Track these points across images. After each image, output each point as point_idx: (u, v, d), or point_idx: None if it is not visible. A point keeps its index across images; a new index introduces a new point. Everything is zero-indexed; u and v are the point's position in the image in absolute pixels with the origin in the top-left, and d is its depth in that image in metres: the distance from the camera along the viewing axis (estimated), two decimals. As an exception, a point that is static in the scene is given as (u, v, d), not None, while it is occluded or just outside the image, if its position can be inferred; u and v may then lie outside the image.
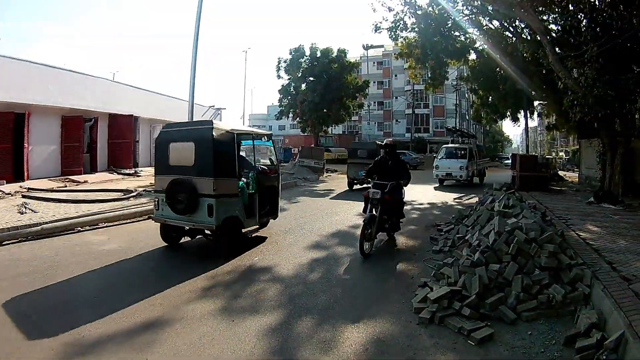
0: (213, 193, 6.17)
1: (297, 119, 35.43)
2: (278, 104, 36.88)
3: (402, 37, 19.42)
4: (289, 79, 34.52)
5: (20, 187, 14.14)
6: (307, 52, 33.74)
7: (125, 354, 3.59)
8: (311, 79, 33.46)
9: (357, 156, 16.87)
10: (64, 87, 18.86)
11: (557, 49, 13.25)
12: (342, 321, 4.16)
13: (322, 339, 3.75)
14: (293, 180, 19.13)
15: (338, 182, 20.01)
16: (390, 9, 18.52)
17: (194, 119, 13.14)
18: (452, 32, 18.53)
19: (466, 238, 6.11)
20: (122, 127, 22.43)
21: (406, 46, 19.96)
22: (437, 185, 18.89)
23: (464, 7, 17.23)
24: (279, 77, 34.79)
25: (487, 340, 3.65)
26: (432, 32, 17.76)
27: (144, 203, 11.53)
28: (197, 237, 7.14)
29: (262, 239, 7.61)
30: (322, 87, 32.07)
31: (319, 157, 24.19)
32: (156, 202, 6.87)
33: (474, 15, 17.56)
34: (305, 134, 38.43)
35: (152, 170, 22.78)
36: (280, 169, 9.09)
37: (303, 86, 33.96)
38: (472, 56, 22.04)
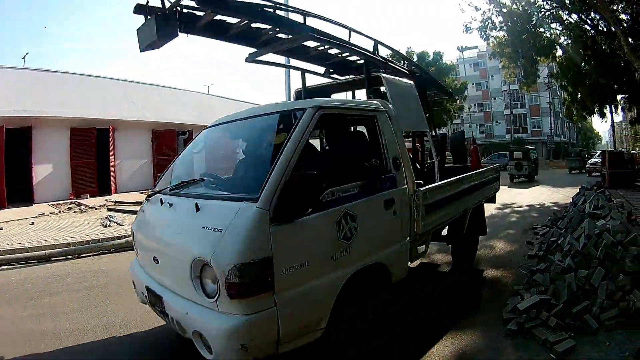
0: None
1: None
2: (379, 108, 37.99)
3: (492, 36, 19.77)
4: None
5: (106, 200, 14.68)
6: None
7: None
8: None
9: None
10: (151, 101, 19.35)
11: (630, 39, 13.00)
12: (430, 334, 4.20)
13: (405, 354, 3.82)
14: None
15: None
16: (477, 9, 19.22)
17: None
18: (538, 29, 18.47)
19: (559, 242, 6.06)
20: (221, 138, 23.27)
21: (497, 45, 20.23)
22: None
23: (544, 2, 17.16)
24: None
25: (569, 353, 3.65)
26: (519, 29, 17.87)
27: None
28: None
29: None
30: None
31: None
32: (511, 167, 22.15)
33: (553, 10, 17.32)
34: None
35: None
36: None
37: None
38: (559, 52, 21.63)
